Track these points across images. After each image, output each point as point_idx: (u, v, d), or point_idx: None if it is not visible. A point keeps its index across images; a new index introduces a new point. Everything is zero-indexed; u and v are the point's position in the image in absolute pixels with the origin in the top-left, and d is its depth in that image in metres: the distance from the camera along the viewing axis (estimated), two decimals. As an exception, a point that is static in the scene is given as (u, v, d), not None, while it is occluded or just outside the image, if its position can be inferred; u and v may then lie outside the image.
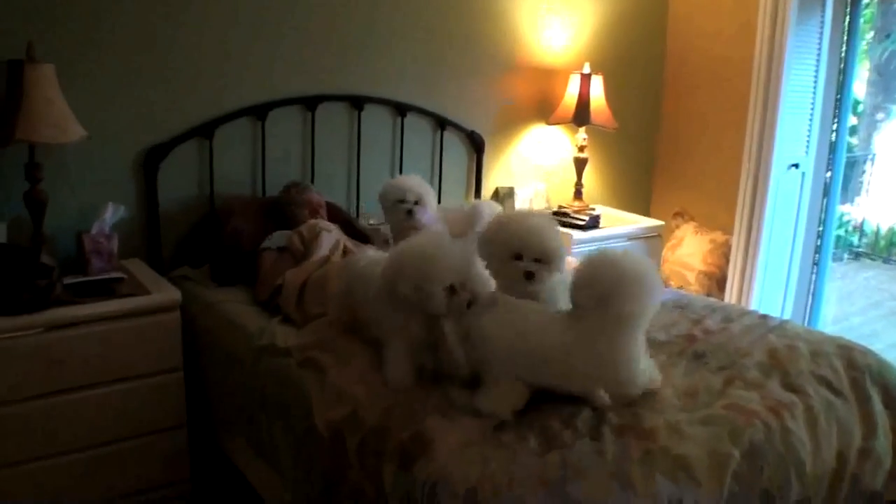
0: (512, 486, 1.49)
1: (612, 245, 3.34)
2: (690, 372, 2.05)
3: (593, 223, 3.52)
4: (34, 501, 2.20)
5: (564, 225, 3.47)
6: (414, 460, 1.61)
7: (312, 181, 3.04)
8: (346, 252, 2.61)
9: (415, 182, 2.71)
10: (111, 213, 2.48)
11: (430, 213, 2.72)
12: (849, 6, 3.63)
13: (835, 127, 3.78)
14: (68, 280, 2.30)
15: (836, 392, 2.00)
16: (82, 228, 2.46)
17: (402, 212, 2.66)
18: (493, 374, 1.76)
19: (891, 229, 6.57)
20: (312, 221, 2.68)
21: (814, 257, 3.92)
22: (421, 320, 1.90)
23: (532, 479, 1.51)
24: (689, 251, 3.93)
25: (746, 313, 2.50)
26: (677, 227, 4.07)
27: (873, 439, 1.94)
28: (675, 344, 2.19)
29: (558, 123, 3.67)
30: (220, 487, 2.63)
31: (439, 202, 3.14)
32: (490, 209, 2.89)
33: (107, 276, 2.38)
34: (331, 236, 2.61)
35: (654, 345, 2.10)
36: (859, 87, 6.48)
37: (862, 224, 6.61)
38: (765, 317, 2.46)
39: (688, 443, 1.66)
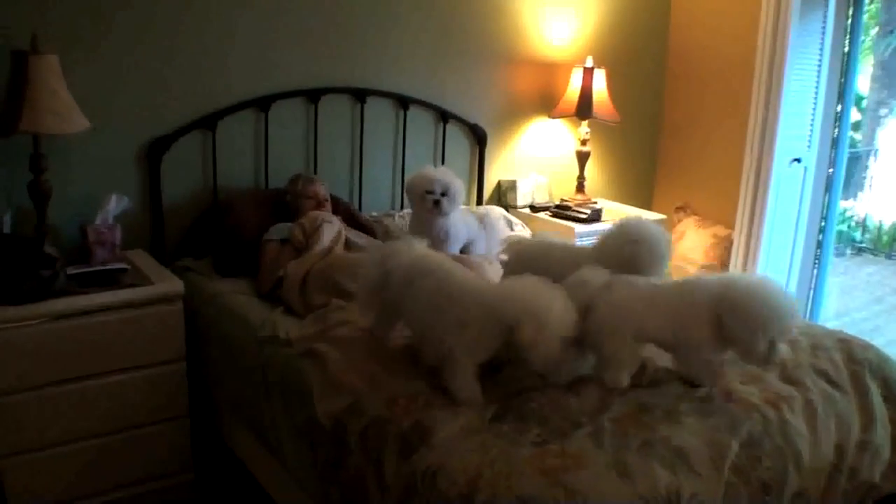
0: (511, 475, 1.50)
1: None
2: (690, 364, 2.06)
3: (595, 216, 3.52)
4: (37, 490, 2.21)
5: (566, 218, 3.48)
6: (414, 449, 1.63)
7: (315, 173, 3.05)
8: (347, 243, 2.62)
9: (442, 173, 2.70)
10: (115, 204, 2.49)
11: (459, 205, 2.72)
12: (852, 1, 3.63)
13: (837, 122, 3.77)
14: (72, 270, 2.31)
15: (836, 385, 2.01)
16: (86, 219, 2.47)
17: (429, 202, 2.66)
18: (621, 346, 1.86)
19: (893, 225, 6.57)
20: (314, 213, 2.68)
21: (815, 252, 3.92)
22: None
23: (531, 468, 1.52)
24: (690, 245, 3.94)
25: (747, 307, 2.50)
26: (679, 221, 4.07)
27: (872, 432, 1.95)
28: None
29: (561, 117, 3.67)
30: (222, 477, 2.65)
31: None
32: (494, 213, 3.06)
33: (110, 267, 2.38)
34: (332, 228, 2.61)
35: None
36: (863, 82, 6.47)
37: (864, 219, 6.61)
38: (765, 310, 2.46)
39: (686, 433, 1.67)
